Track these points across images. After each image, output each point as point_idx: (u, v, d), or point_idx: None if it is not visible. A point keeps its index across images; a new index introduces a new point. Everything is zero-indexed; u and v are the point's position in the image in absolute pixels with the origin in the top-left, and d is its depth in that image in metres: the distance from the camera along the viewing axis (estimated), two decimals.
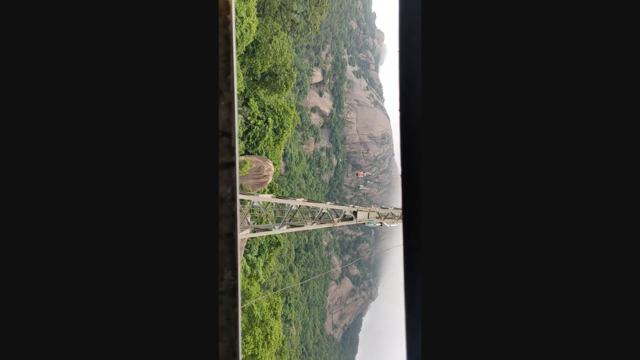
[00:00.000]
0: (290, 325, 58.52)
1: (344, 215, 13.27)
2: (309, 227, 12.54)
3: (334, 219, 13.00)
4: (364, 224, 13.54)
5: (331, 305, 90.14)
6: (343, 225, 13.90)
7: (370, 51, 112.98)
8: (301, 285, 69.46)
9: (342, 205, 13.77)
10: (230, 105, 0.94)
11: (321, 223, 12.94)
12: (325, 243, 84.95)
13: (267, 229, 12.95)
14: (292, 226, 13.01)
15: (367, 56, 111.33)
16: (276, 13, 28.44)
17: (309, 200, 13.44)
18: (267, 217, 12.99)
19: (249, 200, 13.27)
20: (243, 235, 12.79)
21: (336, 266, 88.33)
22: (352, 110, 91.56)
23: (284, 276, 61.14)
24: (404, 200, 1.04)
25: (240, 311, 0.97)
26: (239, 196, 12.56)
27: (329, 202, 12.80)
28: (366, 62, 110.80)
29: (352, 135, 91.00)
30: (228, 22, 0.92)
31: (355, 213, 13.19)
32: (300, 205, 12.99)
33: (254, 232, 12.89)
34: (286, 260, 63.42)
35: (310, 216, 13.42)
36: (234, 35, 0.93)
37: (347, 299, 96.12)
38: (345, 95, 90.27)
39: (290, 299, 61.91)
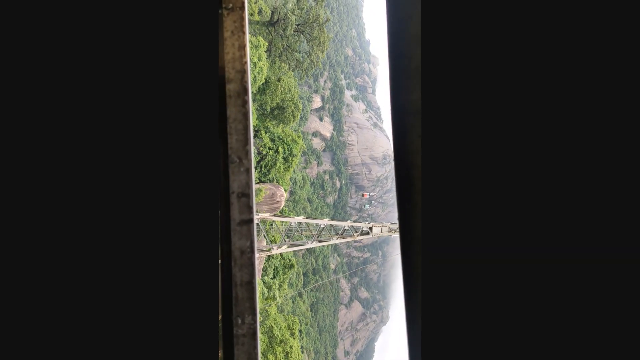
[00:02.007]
0: (302, 352, 58.06)
1: (362, 231, 15.40)
2: (334, 240, 14.65)
3: (354, 234, 15.12)
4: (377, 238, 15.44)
5: (342, 331, 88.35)
6: (359, 240, 15.71)
7: (366, 75, 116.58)
8: (311, 310, 69.30)
9: (360, 222, 15.97)
10: (249, 170, 1.05)
11: (343, 238, 15.07)
12: (332, 266, 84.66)
13: (300, 245, 15.04)
14: (320, 241, 15.18)
15: (363, 80, 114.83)
16: (281, 53, 31.13)
17: (332, 219, 15.58)
18: (302, 234, 15.09)
19: (287, 222, 15.16)
20: (282, 250, 14.76)
21: (344, 289, 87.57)
22: (353, 133, 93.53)
23: (293, 301, 61.35)
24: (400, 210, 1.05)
25: (259, 352, 1.03)
26: (279, 219, 14.62)
27: (349, 221, 14.88)
28: (363, 86, 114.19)
29: (353, 157, 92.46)
30: (245, 102, 1.06)
31: (371, 228, 15.35)
32: (325, 224, 15.19)
33: (289, 247, 14.99)
34: (295, 285, 63.76)
35: (334, 232, 15.56)
36: (251, 112, 1.05)
37: (357, 323, 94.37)
38: (344, 118, 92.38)
39: (301, 325, 61.68)
